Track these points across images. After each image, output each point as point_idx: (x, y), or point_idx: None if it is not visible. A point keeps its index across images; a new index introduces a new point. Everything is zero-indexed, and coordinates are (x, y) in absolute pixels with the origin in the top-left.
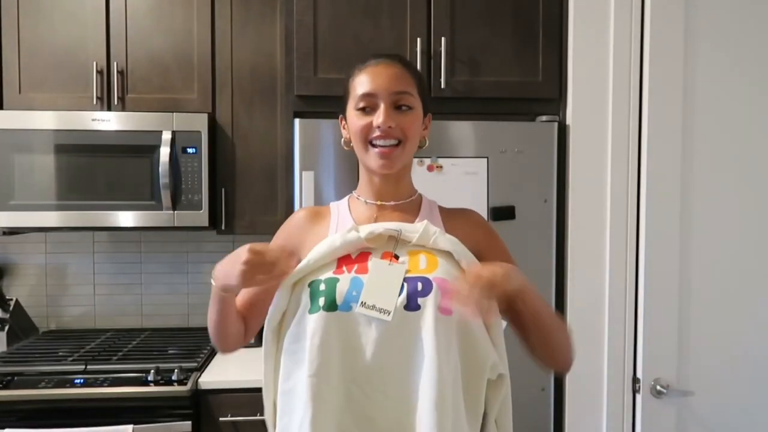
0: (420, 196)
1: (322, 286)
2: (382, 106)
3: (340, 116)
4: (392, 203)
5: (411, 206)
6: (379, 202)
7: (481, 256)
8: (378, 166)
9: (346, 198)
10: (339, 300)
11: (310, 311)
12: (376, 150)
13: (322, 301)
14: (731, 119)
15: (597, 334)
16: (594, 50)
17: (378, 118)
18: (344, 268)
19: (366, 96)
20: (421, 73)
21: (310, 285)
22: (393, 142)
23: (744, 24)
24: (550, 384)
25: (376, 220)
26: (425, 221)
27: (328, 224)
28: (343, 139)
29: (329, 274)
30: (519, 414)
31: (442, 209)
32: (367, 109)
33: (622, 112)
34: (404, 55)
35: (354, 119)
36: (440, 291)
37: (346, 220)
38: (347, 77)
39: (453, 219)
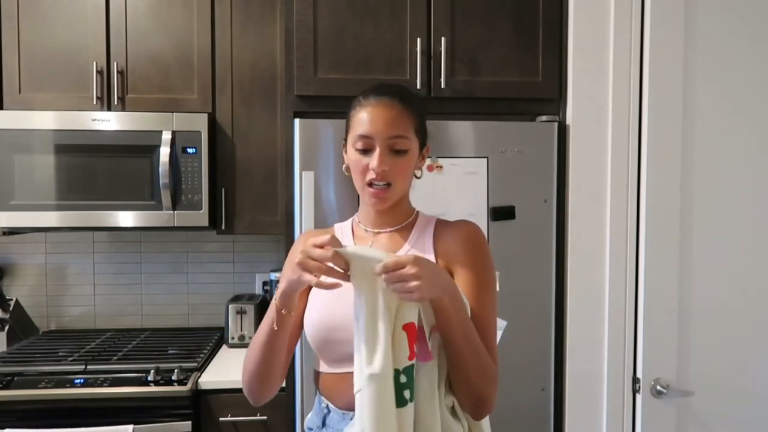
0: (417, 215)
1: (403, 378)
2: (377, 150)
3: (343, 142)
4: (388, 230)
5: (406, 228)
6: (376, 231)
7: (451, 270)
8: (371, 204)
9: (350, 222)
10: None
11: (397, 405)
12: (371, 190)
13: (407, 394)
14: (731, 119)
15: (597, 334)
16: (594, 50)
17: (373, 161)
18: (415, 348)
19: (363, 137)
20: (422, 107)
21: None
22: (384, 184)
23: (744, 24)
24: (550, 384)
25: (371, 246)
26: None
27: None
28: (344, 165)
29: (405, 360)
30: (519, 414)
31: (439, 224)
32: (365, 150)
33: (622, 112)
34: (407, 87)
35: (353, 156)
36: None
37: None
38: (350, 107)
39: (444, 234)
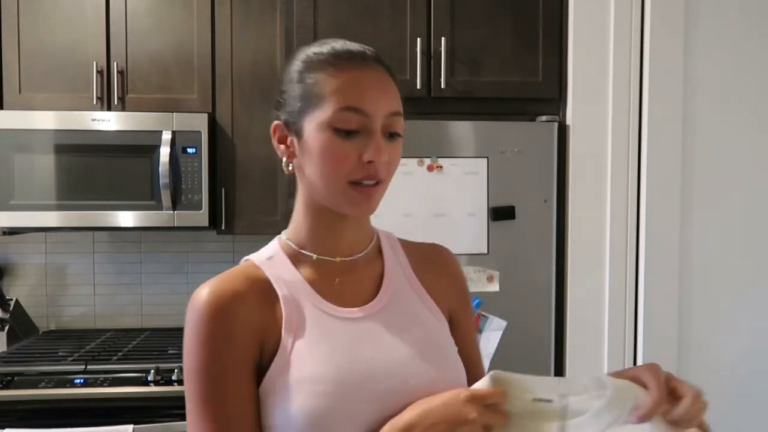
0: (377, 233)
1: None
2: (376, 133)
3: (276, 124)
4: (353, 257)
5: (373, 255)
6: (338, 259)
7: (454, 320)
8: (360, 210)
9: (279, 248)
10: None
11: None
12: (358, 189)
13: None
14: (732, 119)
15: (597, 334)
16: (594, 50)
17: (370, 150)
18: None
19: (355, 112)
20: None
21: None
22: (374, 182)
23: (744, 23)
24: None
25: (335, 285)
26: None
27: (277, 301)
28: (286, 163)
29: None
30: None
31: (405, 246)
32: (351, 132)
33: (622, 112)
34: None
35: (327, 142)
36: None
37: (301, 291)
38: (302, 68)
39: (424, 266)
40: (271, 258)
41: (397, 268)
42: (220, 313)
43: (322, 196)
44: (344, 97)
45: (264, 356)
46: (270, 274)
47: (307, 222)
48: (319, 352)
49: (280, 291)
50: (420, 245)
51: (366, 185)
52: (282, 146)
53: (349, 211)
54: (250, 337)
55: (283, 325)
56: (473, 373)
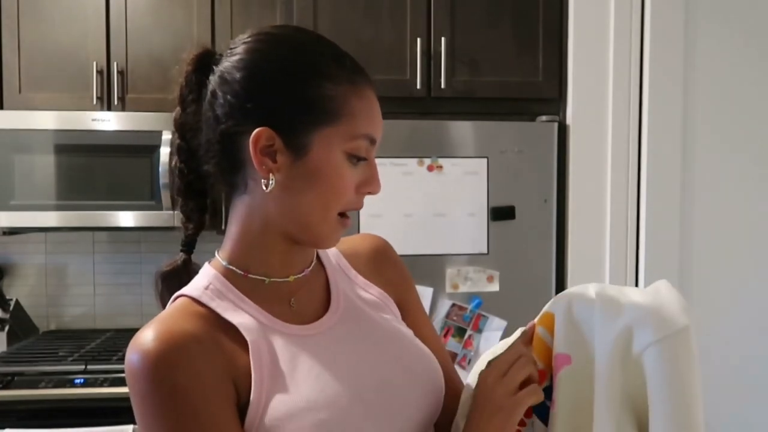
0: None
1: None
2: (375, 165)
3: (261, 130)
4: (304, 273)
5: (318, 266)
6: (292, 278)
7: (403, 307)
8: (334, 243)
9: (219, 277)
10: None
11: None
12: (343, 221)
13: None
14: (731, 118)
15: None
16: (594, 50)
17: (374, 181)
18: None
19: (370, 141)
20: None
21: None
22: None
23: (744, 23)
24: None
25: (291, 305)
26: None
27: (234, 334)
28: (272, 178)
29: None
30: None
31: (337, 245)
32: (359, 161)
33: (622, 112)
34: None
35: (340, 167)
36: None
37: (259, 318)
38: (313, 70)
39: (360, 259)
40: (209, 288)
41: (338, 271)
42: (179, 355)
43: (300, 224)
44: (363, 123)
45: (240, 396)
46: (216, 306)
47: (262, 246)
48: (301, 377)
49: (235, 321)
50: (350, 240)
51: (347, 216)
52: (267, 160)
53: (326, 243)
54: (220, 376)
55: (251, 357)
56: (433, 349)
